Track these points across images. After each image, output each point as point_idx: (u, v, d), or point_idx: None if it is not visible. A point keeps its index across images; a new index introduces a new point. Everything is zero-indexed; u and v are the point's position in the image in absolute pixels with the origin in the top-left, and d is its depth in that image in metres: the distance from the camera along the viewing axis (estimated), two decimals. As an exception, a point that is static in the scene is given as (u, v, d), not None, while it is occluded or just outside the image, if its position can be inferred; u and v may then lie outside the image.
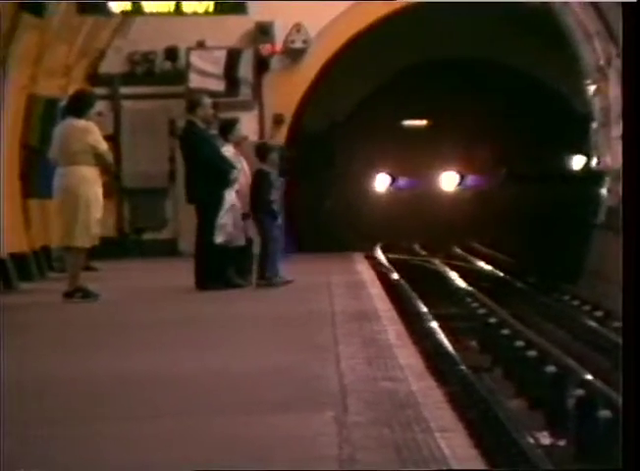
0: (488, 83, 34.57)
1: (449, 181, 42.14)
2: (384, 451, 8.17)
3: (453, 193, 41.56)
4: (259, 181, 20.84)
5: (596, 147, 31.37)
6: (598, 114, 30.85)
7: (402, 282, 29.37)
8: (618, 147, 29.86)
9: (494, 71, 34.26)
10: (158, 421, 9.82)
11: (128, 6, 25.32)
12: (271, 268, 20.46)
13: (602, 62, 29.65)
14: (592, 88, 31.12)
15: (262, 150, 21.63)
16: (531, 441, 16.37)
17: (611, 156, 29.88)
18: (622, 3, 4.83)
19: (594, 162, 31.57)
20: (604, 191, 30.43)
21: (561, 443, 16.44)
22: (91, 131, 19.34)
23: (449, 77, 34.74)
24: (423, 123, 39.82)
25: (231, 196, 20.11)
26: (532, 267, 33.52)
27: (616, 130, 29.07)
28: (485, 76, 34.50)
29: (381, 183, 39.50)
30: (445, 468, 7.69)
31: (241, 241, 20.37)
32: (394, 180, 39.91)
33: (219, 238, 19.77)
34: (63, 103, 21.22)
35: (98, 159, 19.15)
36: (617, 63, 28.41)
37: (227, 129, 21.45)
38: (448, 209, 40.80)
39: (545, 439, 16.63)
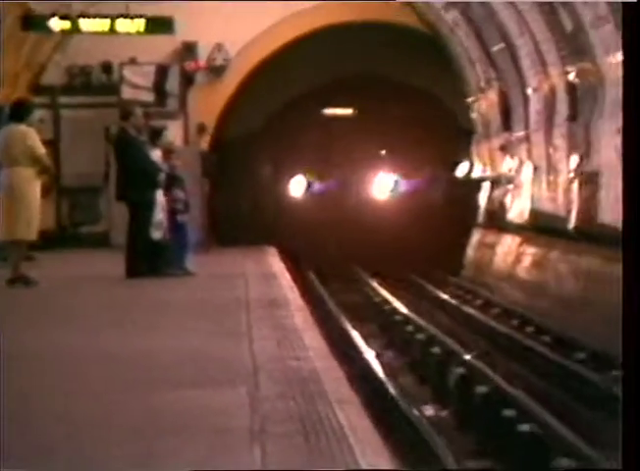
0: (391, 100, 33.58)
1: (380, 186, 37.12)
2: (290, 422, 8.28)
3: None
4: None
5: (479, 156, 31.61)
6: (480, 128, 31.25)
7: (310, 273, 29.38)
8: (498, 157, 29.86)
9: (397, 89, 33.69)
10: (87, 396, 9.70)
11: (67, 24, 25.24)
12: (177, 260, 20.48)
13: (482, 83, 30.02)
14: (475, 105, 31.41)
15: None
16: (417, 412, 16.52)
17: (491, 165, 30.05)
18: (622, 3, 4.36)
19: (479, 169, 31.75)
20: (483, 195, 30.92)
21: (443, 414, 16.57)
22: (30, 136, 19.29)
23: (355, 91, 33.95)
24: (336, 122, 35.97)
25: (160, 196, 19.99)
26: (426, 264, 32.64)
27: (495, 143, 29.23)
28: (388, 93, 33.64)
29: (297, 187, 36.00)
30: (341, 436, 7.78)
31: (167, 236, 20.26)
32: (310, 184, 36.18)
33: (156, 234, 19.67)
34: (5, 110, 21.10)
35: (35, 161, 19.05)
36: (496, 85, 28.51)
37: (155, 135, 21.41)
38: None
39: (429, 411, 16.90)
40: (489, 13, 26.37)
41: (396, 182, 35.63)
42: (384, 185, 35.59)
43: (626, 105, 4.47)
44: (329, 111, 34.49)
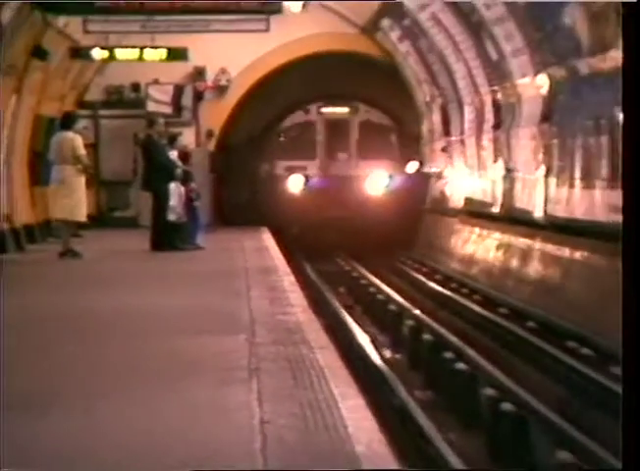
0: (359, 111, 31.85)
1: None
2: (279, 362, 8.31)
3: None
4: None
5: (424, 156, 31.61)
6: (427, 134, 31.19)
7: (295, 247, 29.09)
8: (440, 157, 29.83)
9: (362, 102, 31.98)
10: (121, 338, 9.80)
11: (105, 54, 25.19)
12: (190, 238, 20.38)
13: (428, 99, 30.07)
14: (423, 116, 31.41)
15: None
16: (378, 355, 16.48)
17: (434, 163, 30.17)
18: (622, 3, 3.86)
19: (426, 166, 31.66)
20: (429, 186, 30.92)
21: (398, 356, 16.29)
22: (75, 141, 19.24)
23: (329, 105, 32.97)
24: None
25: (178, 187, 19.97)
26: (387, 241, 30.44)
27: (438, 145, 29.32)
28: (357, 107, 31.92)
29: (295, 184, 31.26)
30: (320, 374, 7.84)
31: (184, 218, 20.23)
32: (308, 180, 31.27)
33: (171, 217, 19.65)
34: (58, 121, 21.09)
35: (78, 160, 19.05)
36: (439, 100, 28.51)
37: (173, 140, 21.36)
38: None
39: (387, 354, 16.49)
40: (432, 43, 26.39)
41: (390, 178, 31.46)
42: (379, 182, 31.47)
43: (626, 105, 3.86)
44: (312, 117, 31.28)
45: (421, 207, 30.76)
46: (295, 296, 12.86)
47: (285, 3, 16.45)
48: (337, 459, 5.56)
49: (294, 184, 30.72)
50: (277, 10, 18.26)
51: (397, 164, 31.56)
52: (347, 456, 5.60)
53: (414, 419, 11.86)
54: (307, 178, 30.73)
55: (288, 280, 14.85)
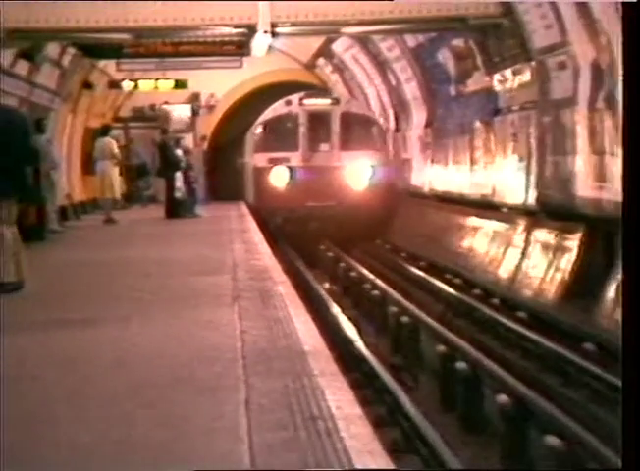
0: (340, 105, 23.07)
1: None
2: (252, 292, 8.21)
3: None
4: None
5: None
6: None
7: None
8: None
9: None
10: (146, 276, 9.73)
11: (132, 85, 25.13)
12: (191, 209, 20.09)
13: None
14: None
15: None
16: (320, 287, 16.37)
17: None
18: (622, 3, 2.90)
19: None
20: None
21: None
22: (111, 144, 19.18)
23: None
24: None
25: (180, 175, 19.92)
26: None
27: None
28: (338, 98, 23.57)
29: (277, 176, 22.48)
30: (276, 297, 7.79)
31: (186, 196, 20.17)
32: (291, 171, 22.34)
33: (178, 195, 19.58)
34: (99, 130, 21.04)
35: (114, 156, 18.98)
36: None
37: (178, 142, 21.24)
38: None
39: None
40: (353, 75, 26.31)
41: (372, 168, 22.31)
42: (361, 173, 22.29)
43: (626, 106, 2.92)
44: (294, 109, 22.58)
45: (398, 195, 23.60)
46: (264, 248, 12.76)
47: (252, 49, 16.36)
48: (292, 354, 5.53)
49: (277, 176, 22.37)
50: (247, 53, 18.16)
51: (378, 154, 22.64)
52: (298, 352, 5.58)
53: (342, 328, 11.93)
54: (290, 169, 22.25)
55: (258, 236, 14.73)
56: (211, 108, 29.32)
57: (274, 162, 22.54)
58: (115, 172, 19.36)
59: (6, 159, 8.36)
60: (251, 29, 14.43)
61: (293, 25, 14.64)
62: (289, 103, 22.99)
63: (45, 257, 11.71)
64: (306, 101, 22.80)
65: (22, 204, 8.90)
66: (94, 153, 19.63)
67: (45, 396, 4.77)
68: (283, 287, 8.58)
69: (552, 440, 6.14)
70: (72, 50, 19.36)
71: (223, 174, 29.39)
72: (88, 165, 21.53)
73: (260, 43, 15.30)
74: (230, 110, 29.56)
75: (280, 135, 22.62)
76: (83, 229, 17.95)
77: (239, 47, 17.93)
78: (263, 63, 24.93)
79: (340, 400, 4.42)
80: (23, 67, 16.42)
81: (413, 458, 6.76)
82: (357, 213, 21.73)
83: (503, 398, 7.35)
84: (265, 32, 14.38)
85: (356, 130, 22.69)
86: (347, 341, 11.04)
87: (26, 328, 6.73)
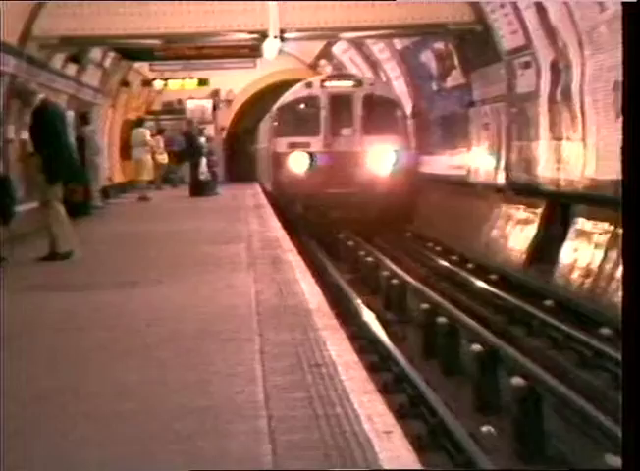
0: (362, 87, 18.55)
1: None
2: (266, 259, 8.17)
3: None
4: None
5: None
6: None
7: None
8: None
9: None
10: (174, 245, 9.72)
11: (162, 84, 25.09)
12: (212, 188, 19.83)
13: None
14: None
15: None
16: (324, 257, 16.18)
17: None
18: (622, 3, 2.55)
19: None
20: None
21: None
22: (145, 133, 19.16)
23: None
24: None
25: (204, 159, 19.86)
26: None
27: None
28: (361, 80, 18.88)
29: (297, 161, 18.03)
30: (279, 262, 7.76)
31: (209, 177, 20.13)
32: (311, 157, 17.93)
33: (202, 176, 19.55)
34: (135, 122, 20.99)
35: (146, 144, 18.99)
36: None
37: (202, 132, 21.19)
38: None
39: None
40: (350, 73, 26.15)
41: (396, 153, 18.10)
42: (384, 158, 18.00)
43: (626, 106, 2.47)
44: (315, 91, 18.32)
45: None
46: (273, 221, 12.67)
47: (264, 51, 16.30)
48: (299, 311, 5.51)
49: (296, 162, 18.01)
50: (260, 55, 18.06)
51: (401, 139, 18.32)
52: (304, 310, 5.57)
53: (342, 288, 11.93)
54: (311, 154, 17.95)
55: (269, 211, 14.65)
56: (229, 102, 29.18)
57: (294, 147, 18.15)
58: (148, 157, 19.31)
59: (52, 148, 8.39)
60: (263, 35, 14.43)
61: (299, 31, 14.69)
62: (309, 86, 18.64)
63: (90, 230, 11.72)
64: (328, 83, 18.48)
65: (70, 185, 8.89)
66: (131, 141, 19.59)
67: (92, 344, 4.81)
68: (291, 255, 8.55)
69: (517, 380, 6.19)
70: (112, 54, 19.31)
71: (239, 159, 29.30)
72: (126, 151, 21.50)
73: (271, 47, 15.26)
74: (245, 104, 29.42)
75: (300, 120, 18.29)
76: (122, 205, 17.94)
77: (252, 50, 17.80)
78: (273, 64, 24.66)
79: (339, 350, 4.46)
80: (71, 68, 16.49)
81: (402, 397, 6.80)
82: (381, 200, 17.52)
83: (476, 347, 7.31)
84: (275, 37, 14.40)
85: (379, 113, 18.14)
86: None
87: (76, 289, 6.78)
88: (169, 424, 3.35)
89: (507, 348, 7.36)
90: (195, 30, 14.32)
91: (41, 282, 7.27)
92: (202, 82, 25.30)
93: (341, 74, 20.57)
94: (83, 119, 16.07)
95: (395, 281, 11.68)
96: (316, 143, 18.10)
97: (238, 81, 28.10)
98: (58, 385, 3.99)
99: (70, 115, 14.51)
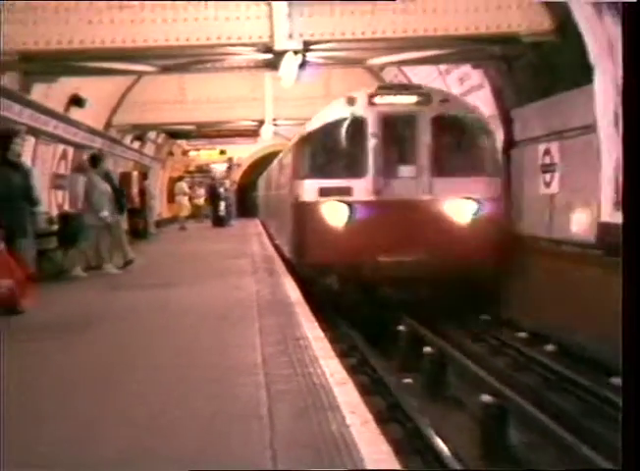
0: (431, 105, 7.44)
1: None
2: (266, 270, 7.91)
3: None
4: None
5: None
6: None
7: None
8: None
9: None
10: (201, 259, 9.37)
11: (196, 154, 25.12)
12: (227, 221, 19.31)
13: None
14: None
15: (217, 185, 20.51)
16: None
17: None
18: (622, 3, 1.65)
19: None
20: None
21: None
22: (184, 185, 19.00)
23: None
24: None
25: (222, 201, 19.63)
26: None
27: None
28: (429, 95, 7.52)
29: (332, 215, 6.74)
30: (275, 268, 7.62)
31: (225, 214, 19.91)
32: (352, 209, 6.50)
33: (221, 213, 19.34)
34: (176, 178, 20.75)
35: (185, 193, 18.86)
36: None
37: (221, 184, 20.93)
38: None
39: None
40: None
41: (478, 205, 7.07)
42: (465, 214, 7.10)
43: (626, 107, 1.56)
44: (360, 111, 7.56)
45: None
46: (268, 245, 12.24)
47: (262, 134, 16.49)
48: (284, 303, 5.41)
49: (332, 215, 7.35)
50: (259, 135, 18.14)
51: (488, 182, 7.40)
52: (288, 302, 5.44)
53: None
54: (351, 205, 7.32)
55: (266, 240, 13.93)
56: (239, 165, 29.17)
57: (327, 194, 7.63)
58: (185, 201, 19.23)
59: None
60: (261, 122, 14.83)
61: (288, 119, 15.10)
62: (351, 102, 7.82)
63: (147, 248, 11.46)
64: (379, 100, 7.75)
65: (135, 218, 8.80)
66: (174, 191, 19.50)
67: (142, 328, 4.74)
68: (280, 266, 8.36)
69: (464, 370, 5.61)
70: (162, 134, 19.46)
71: (245, 201, 29.04)
72: (171, 197, 21.34)
73: (267, 130, 15.64)
74: (249, 166, 29.38)
75: (336, 153, 7.83)
76: (168, 233, 17.58)
77: (254, 133, 17.99)
78: (268, 141, 24.79)
79: (311, 328, 4.46)
80: (136, 144, 16.75)
81: (353, 360, 6.34)
82: (462, 272, 7.36)
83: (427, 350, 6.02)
84: (269, 123, 14.84)
85: (458, 143, 7.88)
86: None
87: (133, 288, 6.66)
88: (204, 373, 3.47)
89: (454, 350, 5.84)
90: (216, 119, 14.83)
91: (115, 284, 7.09)
92: (222, 152, 25.39)
93: (399, 84, 9.45)
94: (144, 176, 16.21)
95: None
96: (361, 188, 7.66)
97: (244, 151, 28.09)
98: (135, 344, 4.18)
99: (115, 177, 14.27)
